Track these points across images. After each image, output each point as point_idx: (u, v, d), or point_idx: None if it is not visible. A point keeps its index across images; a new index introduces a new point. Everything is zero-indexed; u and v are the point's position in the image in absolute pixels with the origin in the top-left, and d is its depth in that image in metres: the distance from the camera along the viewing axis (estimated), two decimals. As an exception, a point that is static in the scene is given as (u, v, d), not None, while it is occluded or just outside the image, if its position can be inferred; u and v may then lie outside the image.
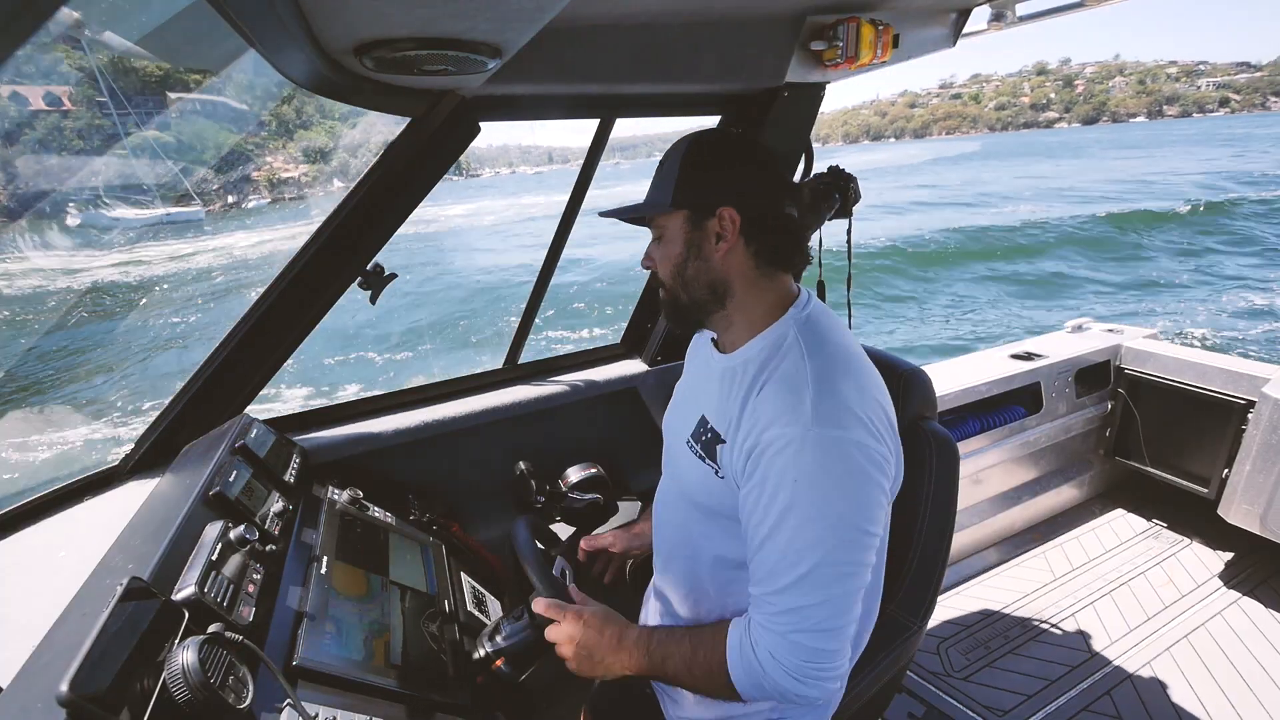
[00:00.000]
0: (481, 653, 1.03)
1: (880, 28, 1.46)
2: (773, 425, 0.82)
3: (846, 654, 0.83)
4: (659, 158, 0.99)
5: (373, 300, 1.48)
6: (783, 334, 0.93)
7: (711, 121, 1.84)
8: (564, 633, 0.96)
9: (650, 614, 1.16)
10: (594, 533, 1.39)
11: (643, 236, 1.05)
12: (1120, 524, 2.69)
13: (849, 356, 0.90)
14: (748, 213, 0.92)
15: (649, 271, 1.04)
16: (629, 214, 1.00)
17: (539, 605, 0.99)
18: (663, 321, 2.00)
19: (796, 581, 0.79)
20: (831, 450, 0.79)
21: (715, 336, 1.04)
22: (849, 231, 1.47)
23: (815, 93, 1.71)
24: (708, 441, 0.94)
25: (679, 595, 1.06)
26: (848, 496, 0.80)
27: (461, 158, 1.45)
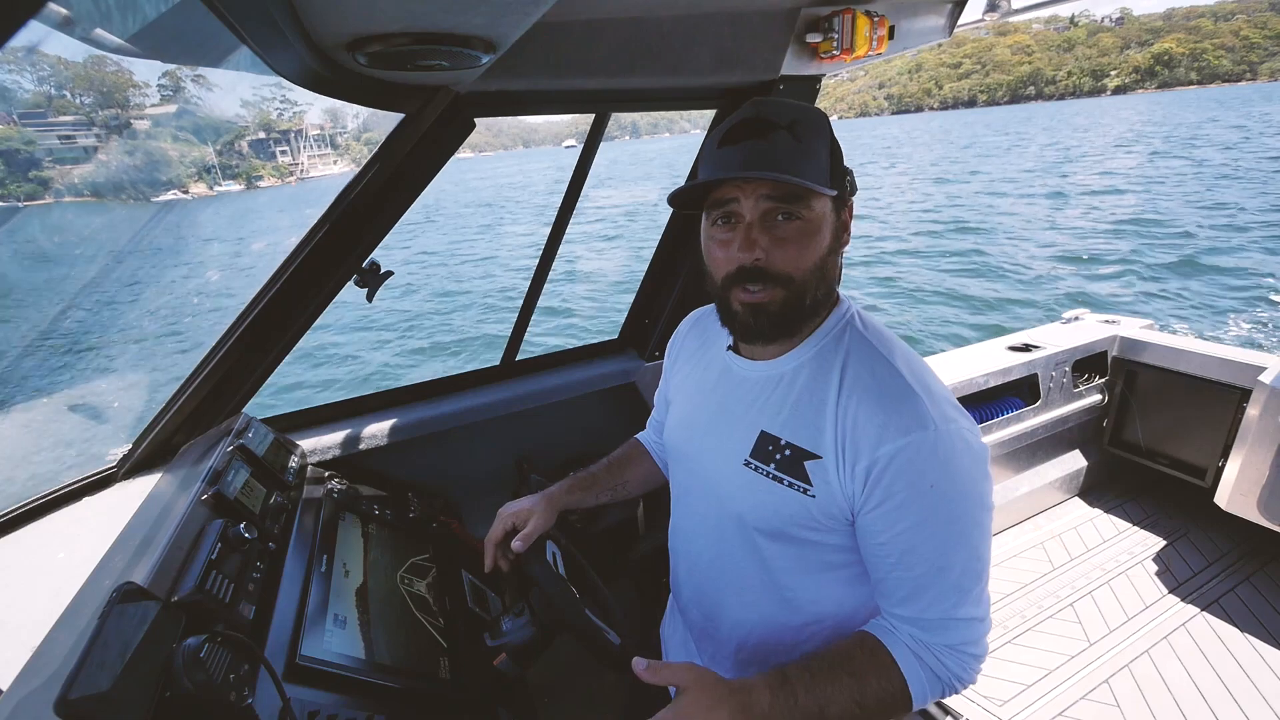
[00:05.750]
0: (483, 648, 1.04)
1: (876, 19, 1.45)
2: (886, 438, 0.77)
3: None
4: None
5: (369, 298, 1.48)
6: (839, 335, 0.87)
7: (707, 115, 1.84)
8: None
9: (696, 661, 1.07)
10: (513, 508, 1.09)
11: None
12: (1117, 513, 2.70)
13: (910, 348, 0.88)
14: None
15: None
16: (789, 181, 0.76)
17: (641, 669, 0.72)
18: (664, 316, 2.00)
19: (952, 589, 0.79)
20: (956, 445, 0.77)
21: (733, 341, 0.95)
22: None
23: (811, 85, 1.71)
24: (788, 460, 0.85)
25: (745, 635, 0.97)
26: (976, 486, 0.79)
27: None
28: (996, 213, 18.41)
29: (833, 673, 0.77)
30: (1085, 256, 12.88)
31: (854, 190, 0.88)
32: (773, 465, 0.86)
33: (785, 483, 0.85)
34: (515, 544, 1.01)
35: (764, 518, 0.88)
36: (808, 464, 0.83)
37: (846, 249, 0.89)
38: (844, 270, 0.91)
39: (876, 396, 0.80)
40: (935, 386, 0.82)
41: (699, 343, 1.07)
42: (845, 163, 0.86)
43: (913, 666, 0.80)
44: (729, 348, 0.97)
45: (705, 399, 0.99)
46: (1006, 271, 12.40)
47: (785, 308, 0.82)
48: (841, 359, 0.85)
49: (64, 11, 0.72)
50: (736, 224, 0.82)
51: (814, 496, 0.83)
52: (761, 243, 0.80)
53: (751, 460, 0.88)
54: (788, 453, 0.85)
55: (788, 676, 0.76)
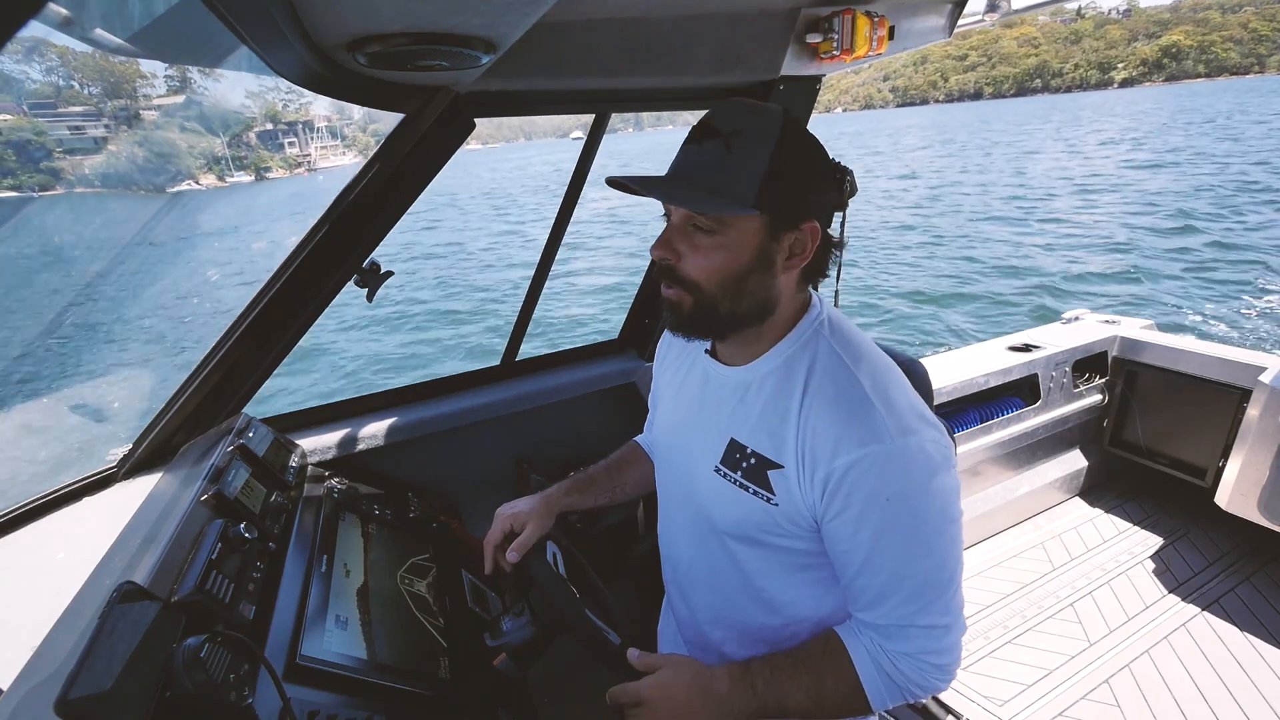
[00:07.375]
0: (483, 648, 1.04)
1: (876, 19, 1.45)
2: (842, 450, 0.77)
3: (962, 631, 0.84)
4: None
5: (369, 298, 1.48)
6: (806, 342, 0.87)
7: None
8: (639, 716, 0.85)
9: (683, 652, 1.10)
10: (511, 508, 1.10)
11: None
12: (1118, 513, 2.70)
13: (879, 355, 0.87)
14: (824, 229, 0.83)
15: (648, 264, 0.98)
16: (687, 205, 0.77)
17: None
18: (663, 316, 1.99)
19: (912, 597, 0.79)
20: (914, 457, 0.77)
21: (710, 345, 0.96)
22: (842, 224, 1.47)
23: (811, 85, 1.71)
24: (753, 469, 0.86)
25: (726, 633, 0.99)
26: (937, 496, 0.78)
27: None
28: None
29: (794, 670, 0.83)
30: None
31: (853, 191, 0.87)
32: (739, 473, 0.87)
33: (750, 490, 0.86)
34: (510, 555, 1.02)
35: (733, 523, 0.90)
36: (771, 473, 0.84)
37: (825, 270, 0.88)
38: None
39: (835, 408, 0.80)
40: (897, 397, 0.81)
41: (684, 345, 1.07)
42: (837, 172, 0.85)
43: (869, 671, 0.81)
44: (706, 351, 0.97)
45: (687, 402, 1.00)
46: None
47: (696, 312, 0.83)
48: (807, 367, 0.85)
49: (64, 12, 0.72)
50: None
51: (777, 505, 0.84)
52: (676, 245, 0.82)
53: (721, 467, 0.90)
54: (753, 461, 0.86)
55: (750, 669, 0.83)
